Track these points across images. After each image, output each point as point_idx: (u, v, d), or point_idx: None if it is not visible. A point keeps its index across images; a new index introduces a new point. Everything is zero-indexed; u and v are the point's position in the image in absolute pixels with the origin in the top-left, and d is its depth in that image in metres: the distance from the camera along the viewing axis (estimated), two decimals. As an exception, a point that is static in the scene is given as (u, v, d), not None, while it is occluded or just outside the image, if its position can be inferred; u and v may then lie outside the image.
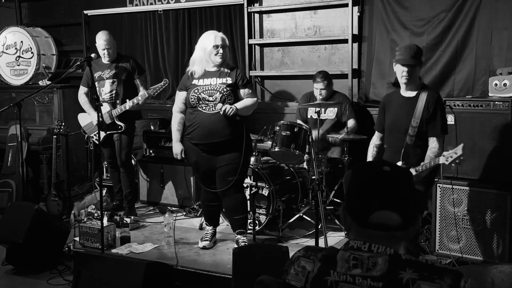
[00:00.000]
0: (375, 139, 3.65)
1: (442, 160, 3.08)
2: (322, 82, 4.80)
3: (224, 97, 3.90)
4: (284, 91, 5.70)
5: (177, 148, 4.12)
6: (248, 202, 4.31)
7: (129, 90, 4.85)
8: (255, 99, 4.07)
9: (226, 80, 3.94)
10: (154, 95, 4.78)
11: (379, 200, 1.39)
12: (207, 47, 3.93)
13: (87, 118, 5.02)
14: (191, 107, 3.98)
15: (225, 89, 3.90)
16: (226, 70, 3.97)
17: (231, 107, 3.85)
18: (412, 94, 3.34)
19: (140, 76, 4.95)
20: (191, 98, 3.95)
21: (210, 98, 3.90)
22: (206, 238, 4.21)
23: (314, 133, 4.50)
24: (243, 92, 4.02)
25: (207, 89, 3.91)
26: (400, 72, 3.29)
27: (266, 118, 5.40)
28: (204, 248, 4.15)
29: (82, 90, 5.00)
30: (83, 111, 5.08)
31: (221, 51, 3.92)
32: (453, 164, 3.04)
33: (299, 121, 4.99)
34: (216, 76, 3.95)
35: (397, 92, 3.45)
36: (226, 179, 3.96)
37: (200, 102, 3.92)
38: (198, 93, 3.92)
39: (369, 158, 3.61)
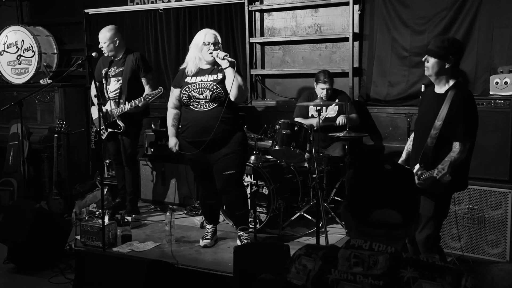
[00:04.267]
0: (412, 135, 3.36)
1: (435, 172, 2.85)
2: (329, 82, 4.79)
3: (214, 95, 3.86)
4: (285, 89, 5.70)
5: (171, 142, 4.19)
6: (249, 200, 4.31)
7: (134, 88, 4.79)
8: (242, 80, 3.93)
9: (217, 77, 3.90)
10: (149, 102, 4.68)
11: (379, 198, 1.40)
12: (199, 44, 3.93)
13: (97, 112, 5.03)
14: (184, 105, 3.99)
15: (215, 87, 3.86)
16: (219, 67, 3.92)
17: (226, 55, 3.80)
18: (442, 91, 3.03)
19: (146, 74, 4.86)
20: (183, 96, 3.95)
21: (201, 96, 3.88)
22: (207, 237, 4.22)
23: (315, 121, 4.46)
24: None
25: (197, 87, 3.90)
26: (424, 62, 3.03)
27: (267, 116, 5.40)
28: (205, 246, 4.16)
29: (94, 84, 5.00)
30: (85, 109, 5.10)
31: (211, 47, 3.89)
32: (442, 180, 2.82)
33: (297, 119, 4.99)
34: (207, 73, 3.93)
35: (432, 86, 3.16)
36: (223, 173, 3.96)
37: (191, 100, 3.91)
38: (188, 91, 3.91)
39: (404, 152, 3.36)
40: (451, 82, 3.02)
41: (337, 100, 4.77)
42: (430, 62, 2.99)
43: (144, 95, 4.65)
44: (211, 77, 3.92)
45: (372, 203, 1.40)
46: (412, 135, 3.37)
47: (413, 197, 1.44)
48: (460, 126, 2.93)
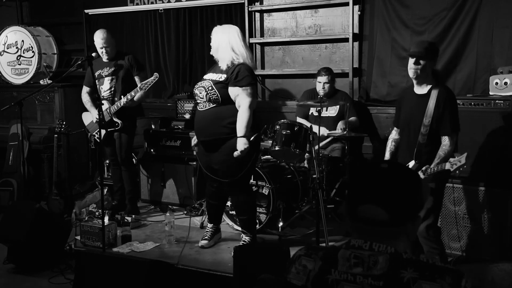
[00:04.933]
0: (394, 134, 3.54)
1: (447, 166, 3.02)
2: (327, 76, 4.81)
3: (209, 96, 3.75)
4: (284, 90, 5.70)
5: (193, 140, 4.09)
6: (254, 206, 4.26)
7: (128, 87, 4.79)
8: (245, 105, 3.66)
9: (220, 78, 3.75)
10: (146, 90, 4.67)
11: (366, 193, 1.41)
12: None
13: (89, 117, 5.04)
14: None
15: (210, 87, 3.73)
16: (226, 67, 3.77)
17: (241, 150, 3.65)
18: (424, 91, 3.24)
19: (139, 73, 4.89)
20: (194, 93, 3.96)
21: (200, 95, 3.83)
22: (206, 237, 4.20)
23: (315, 128, 4.45)
24: (232, 91, 3.70)
25: (200, 85, 3.85)
26: (410, 64, 3.18)
27: (267, 117, 5.40)
28: (202, 247, 4.15)
29: (85, 89, 5.03)
30: (85, 110, 5.09)
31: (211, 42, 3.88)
32: (457, 172, 3.00)
33: (299, 119, 4.99)
34: (216, 71, 3.85)
35: (410, 88, 3.34)
36: (223, 180, 3.93)
37: (196, 97, 3.90)
38: (196, 88, 3.91)
39: (387, 152, 3.51)
40: (432, 82, 3.22)
41: (340, 102, 4.75)
42: (421, 65, 3.15)
43: (139, 85, 4.68)
44: (214, 76, 3.80)
45: (358, 198, 1.42)
46: (392, 135, 3.56)
47: (406, 197, 1.42)
48: (448, 121, 3.17)
